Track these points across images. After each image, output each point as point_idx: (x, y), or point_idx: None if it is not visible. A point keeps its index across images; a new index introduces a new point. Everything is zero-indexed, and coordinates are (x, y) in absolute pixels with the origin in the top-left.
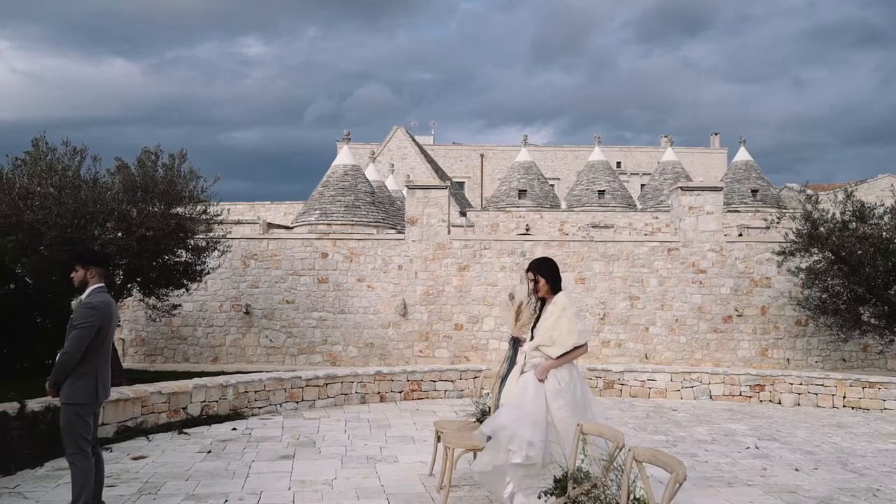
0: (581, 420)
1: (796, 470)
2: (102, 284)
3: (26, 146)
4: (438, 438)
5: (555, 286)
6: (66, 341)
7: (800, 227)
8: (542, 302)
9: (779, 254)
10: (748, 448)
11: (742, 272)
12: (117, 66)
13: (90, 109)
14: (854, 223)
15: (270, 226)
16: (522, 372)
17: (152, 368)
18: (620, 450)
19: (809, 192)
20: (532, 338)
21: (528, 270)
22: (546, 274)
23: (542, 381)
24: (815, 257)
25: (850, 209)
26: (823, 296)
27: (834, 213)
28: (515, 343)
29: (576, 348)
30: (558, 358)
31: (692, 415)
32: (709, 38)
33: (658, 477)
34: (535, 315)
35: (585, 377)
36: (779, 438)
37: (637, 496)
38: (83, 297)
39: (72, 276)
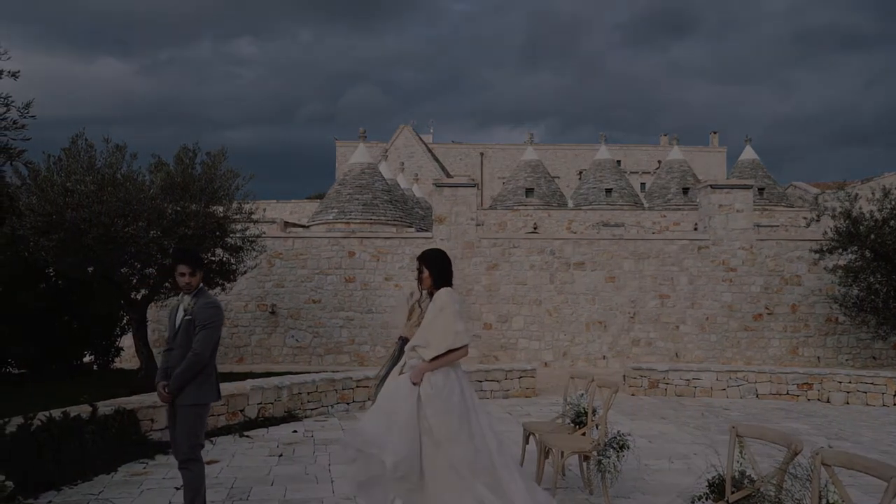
0: (460, 427)
1: None
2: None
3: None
4: (527, 440)
5: (439, 280)
6: (195, 342)
7: (838, 225)
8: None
9: (816, 252)
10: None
11: (772, 270)
12: (110, 65)
13: (82, 108)
14: (894, 220)
15: (287, 224)
16: (401, 373)
17: None
18: (797, 454)
19: (848, 190)
20: None
21: (417, 259)
22: (432, 266)
23: (416, 384)
24: (852, 255)
25: (889, 206)
26: (862, 293)
27: (872, 211)
28: (403, 343)
29: (451, 351)
30: (432, 361)
31: (747, 413)
32: (696, 41)
33: (847, 483)
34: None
35: (630, 377)
36: (847, 438)
37: (831, 501)
38: (190, 297)
39: (184, 279)
